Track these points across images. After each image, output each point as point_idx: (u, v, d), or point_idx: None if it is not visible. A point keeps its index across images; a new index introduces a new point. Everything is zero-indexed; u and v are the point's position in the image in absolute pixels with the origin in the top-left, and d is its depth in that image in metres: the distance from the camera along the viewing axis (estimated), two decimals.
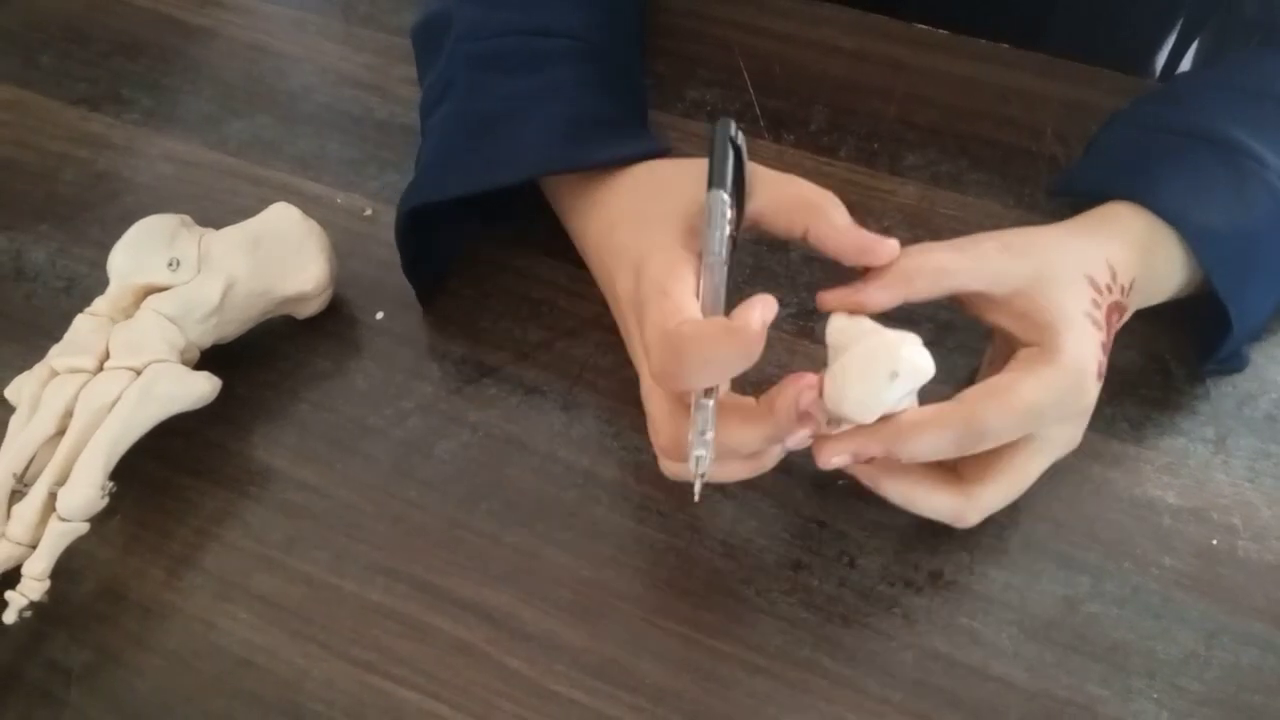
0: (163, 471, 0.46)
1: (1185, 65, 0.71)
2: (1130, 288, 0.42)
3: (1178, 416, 0.47)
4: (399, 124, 0.59)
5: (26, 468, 0.42)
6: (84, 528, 0.41)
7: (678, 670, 0.41)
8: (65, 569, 0.41)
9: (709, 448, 0.36)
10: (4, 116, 0.61)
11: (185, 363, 0.46)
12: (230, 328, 0.47)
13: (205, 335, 0.46)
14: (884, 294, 0.40)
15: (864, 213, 0.54)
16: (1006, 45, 0.61)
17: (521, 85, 0.49)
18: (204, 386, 0.45)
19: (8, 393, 0.44)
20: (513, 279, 0.52)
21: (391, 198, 0.52)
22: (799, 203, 0.41)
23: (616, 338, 0.47)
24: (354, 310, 0.51)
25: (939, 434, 0.37)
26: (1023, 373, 0.39)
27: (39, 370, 0.44)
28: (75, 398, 0.43)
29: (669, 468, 0.41)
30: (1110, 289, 0.41)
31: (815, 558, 0.43)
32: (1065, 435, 0.41)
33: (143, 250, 0.46)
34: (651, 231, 0.41)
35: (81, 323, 0.45)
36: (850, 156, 0.57)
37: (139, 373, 0.44)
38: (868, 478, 0.41)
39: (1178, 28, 0.71)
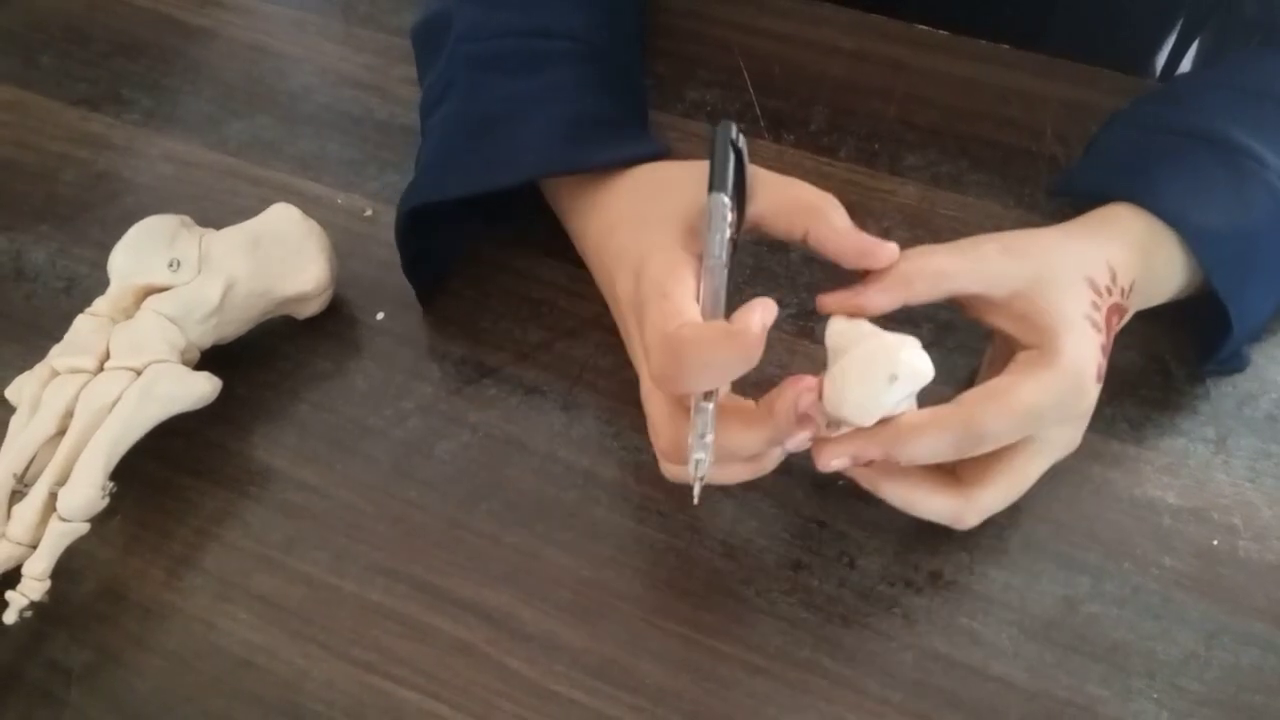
0: (163, 472, 0.46)
1: (1185, 65, 0.71)
2: (1130, 289, 0.42)
3: (1178, 417, 0.47)
4: (399, 124, 0.59)
5: (27, 468, 0.42)
6: (84, 528, 0.41)
7: (678, 670, 0.41)
8: (65, 569, 0.41)
9: (708, 451, 0.36)
10: (4, 117, 0.61)
11: (185, 363, 0.46)
12: (230, 328, 0.47)
13: (205, 335, 0.46)
14: (883, 297, 0.40)
15: (864, 213, 0.54)
16: (1006, 46, 0.61)
17: (522, 86, 0.49)
18: (204, 387, 0.45)
19: (8, 393, 0.44)
20: (513, 279, 0.52)
21: (392, 198, 0.52)
22: (799, 205, 0.41)
23: (617, 338, 0.47)
24: (354, 310, 0.51)
25: (938, 437, 0.37)
26: (1022, 375, 0.39)
27: (39, 370, 0.44)
28: (76, 398, 0.43)
29: (669, 470, 0.41)
30: (1110, 291, 0.41)
31: (815, 558, 0.43)
32: (1064, 437, 0.41)
33: (143, 251, 0.46)
34: (652, 233, 0.41)
35: (82, 323, 0.45)
36: (850, 157, 0.57)
37: (139, 373, 0.44)
38: (867, 480, 0.41)
39: (1178, 28, 0.71)
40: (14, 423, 0.43)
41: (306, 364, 0.50)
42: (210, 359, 0.47)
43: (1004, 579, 0.43)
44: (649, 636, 0.42)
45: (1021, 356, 0.40)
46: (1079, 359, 0.39)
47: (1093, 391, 0.40)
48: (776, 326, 0.44)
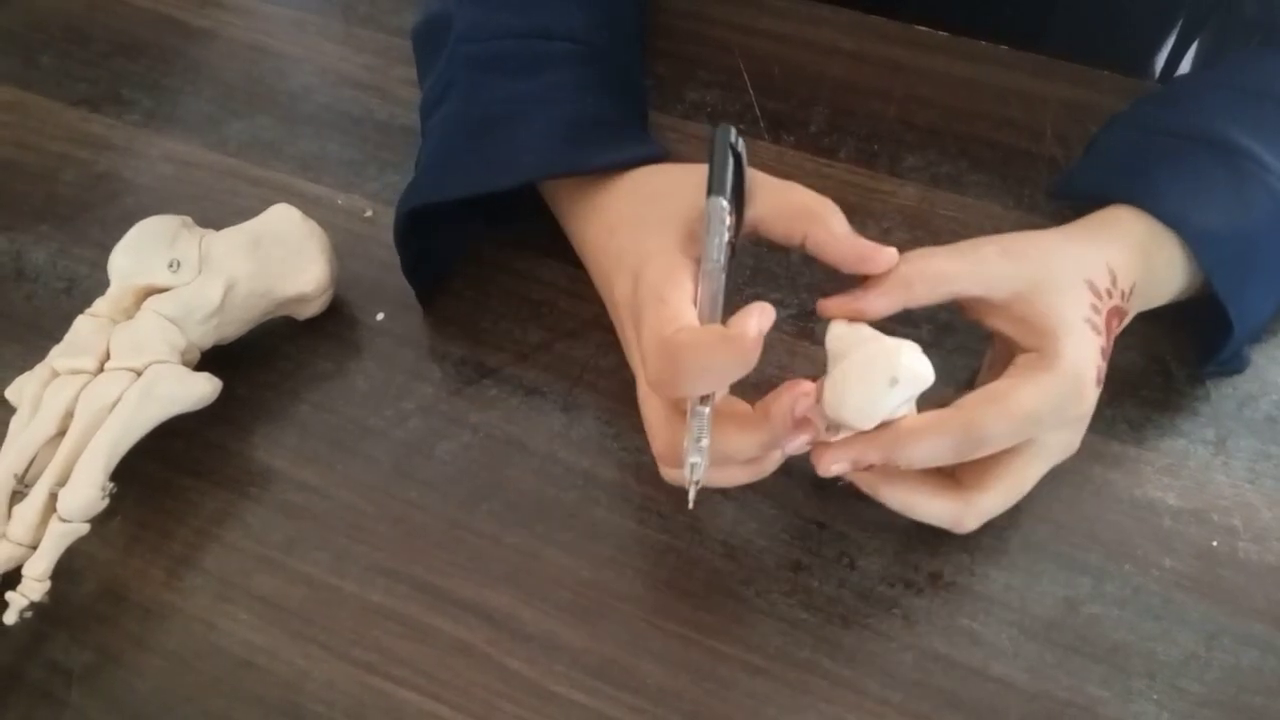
0: (163, 472, 0.46)
1: (1185, 66, 0.71)
2: (1131, 292, 0.42)
3: (1178, 418, 0.47)
4: (399, 125, 0.59)
5: (27, 468, 0.42)
6: (84, 528, 0.41)
7: (678, 671, 0.41)
8: (66, 570, 0.41)
9: (704, 455, 0.36)
10: (4, 117, 0.61)
11: (186, 364, 0.46)
12: (231, 329, 0.47)
13: (206, 336, 0.46)
14: (883, 300, 0.40)
15: (864, 214, 0.54)
16: (1006, 46, 0.61)
17: (522, 87, 0.49)
18: (204, 387, 0.45)
19: (8, 393, 0.44)
20: (513, 280, 0.52)
21: (392, 199, 0.52)
22: (798, 210, 0.41)
23: (616, 339, 0.47)
24: (354, 311, 0.51)
25: (937, 440, 0.37)
26: (1021, 379, 0.39)
27: (40, 371, 0.44)
28: (76, 399, 0.43)
29: (667, 473, 0.41)
30: (1110, 294, 0.41)
31: (815, 559, 0.43)
32: (1063, 441, 0.41)
33: (143, 251, 0.46)
34: (650, 236, 0.41)
35: (82, 324, 0.45)
36: (850, 158, 0.57)
37: (139, 374, 0.44)
38: (866, 484, 0.41)
39: (1177, 28, 0.71)
40: (14, 423, 0.43)
41: (307, 364, 0.50)
42: (210, 359, 0.47)
43: (1004, 580, 0.43)
44: (649, 637, 0.42)
45: (1021, 359, 0.40)
46: (1078, 362, 0.39)
47: (1092, 395, 0.40)
48: (776, 327, 0.44)
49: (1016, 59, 0.60)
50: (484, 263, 0.53)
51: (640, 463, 0.46)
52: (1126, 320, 0.43)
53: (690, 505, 0.37)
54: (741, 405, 0.39)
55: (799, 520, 0.44)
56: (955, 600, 0.42)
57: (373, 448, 0.47)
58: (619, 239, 0.43)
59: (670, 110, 0.59)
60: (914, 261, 0.40)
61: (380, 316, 0.51)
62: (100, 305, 0.46)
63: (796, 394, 0.36)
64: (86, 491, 0.41)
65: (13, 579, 0.40)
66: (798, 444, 0.38)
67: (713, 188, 0.40)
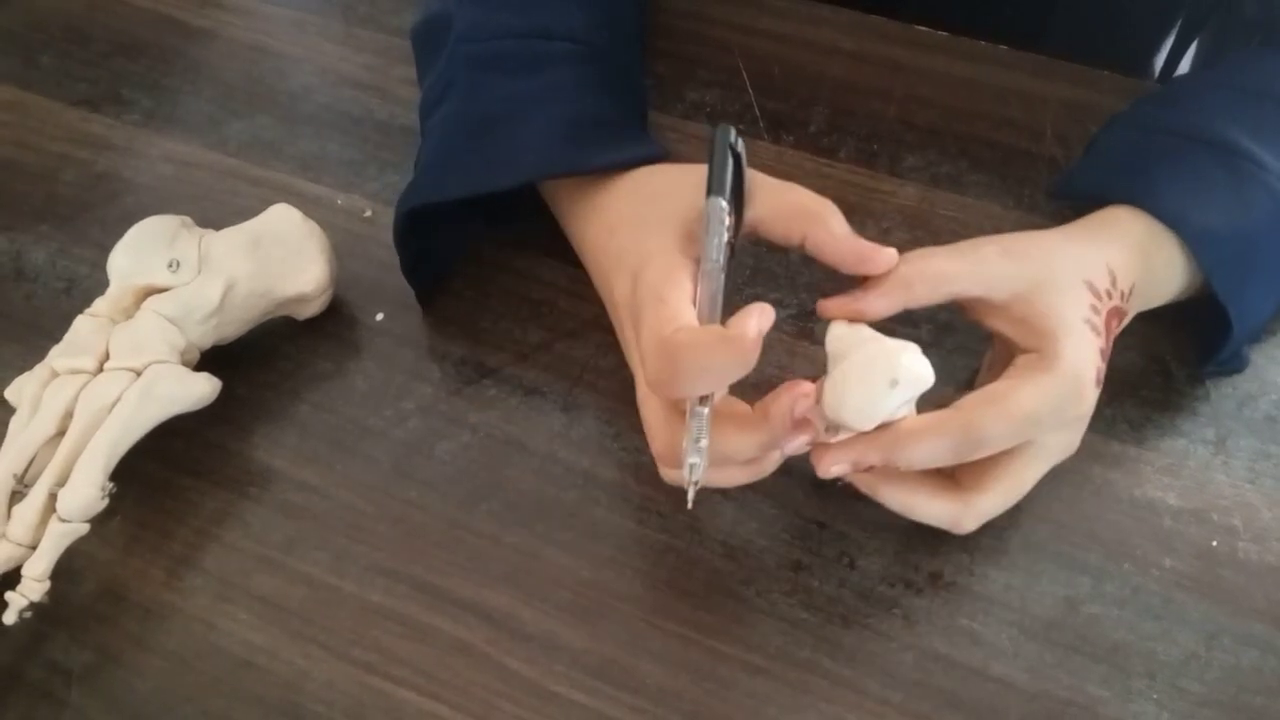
0: (163, 472, 0.46)
1: (1185, 66, 0.71)
2: (1130, 293, 0.42)
3: (1178, 418, 0.47)
4: (399, 125, 0.59)
5: (27, 468, 0.42)
6: (84, 528, 0.41)
7: (678, 671, 0.41)
8: (65, 570, 0.41)
9: (703, 455, 0.36)
10: (4, 117, 0.61)
11: (185, 364, 0.46)
12: (230, 329, 0.47)
13: (205, 336, 0.46)
14: (883, 301, 0.40)
15: (864, 214, 0.54)
16: (1005, 46, 0.61)
17: (522, 87, 0.49)
18: (204, 387, 0.45)
19: (8, 393, 0.44)
20: (513, 280, 0.52)
21: (391, 199, 0.52)
22: (797, 211, 0.41)
23: (616, 339, 0.47)
24: (354, 311, 0.51)
25: (937, 442, 0.37)
26: (1021, 380, 0.39)
27: (39, 371, 0.44)
28: (75, 399, 0.43)
29: (667, 474, 0.41)
30: (1110, 294, 0.41)
31: (815, 559, 0.43)
32: (1063, 442, 0.41)
33: (143, 251, 0.46)
34: (650, 237, 0.41)
35: (82, 323, 0.45)
36: (850, 158, 0.57)
37: (139, 374, 0.44)
38: (866, 485, 0.41)
39: (1177, 28, 0.71)
40: (14, 423, 0.43)
41: (306, 364, 0.50)
42: (210, 359, 0.47)
43: (1004, 580, 0.43)
44: (649, 637, 0.42)
45: (1020, 360, 0.40)
46: (1078, 363, 0.39)
47: (1091, 396, 0.40)
48: (776, 327, 0.44)
49: (1016, 59, 0.60)
50: (484, 263, 0.53)
51: (640, 463, 0.46)
52: (1126, 320, 0.43)
53: (689, 505, 0.37)
54: (741, 406, 0.39)
55: (799, 520, 0.44)
56: (955, 600, 0.42)
57: (372, 448, 0.47)
58: (619, 239, 0.43)
59: (670, 110, 0.59)
60: (914, 262, 0.40)
61: (380, 316, 0.51)
62: (100, 305, 0.46)
63: (796, 395, 0.36)
64: (86, 491, 0.41)
65: (12, 579, 0.40)
66: (797, 445, 0.38)
67: (712, 188, 0.40)
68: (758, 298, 0.47)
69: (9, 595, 0.40)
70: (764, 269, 0.52)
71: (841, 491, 0.43)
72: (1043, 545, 0.43)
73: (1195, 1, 0.69)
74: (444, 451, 0.47)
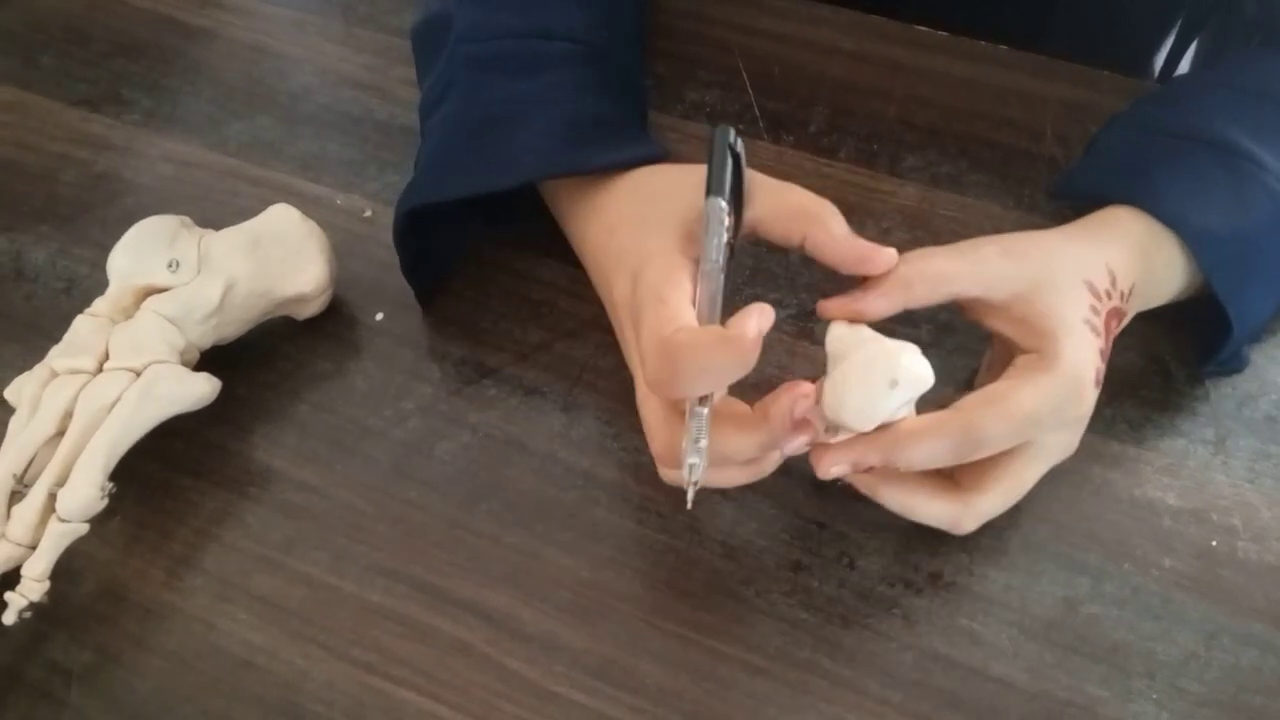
0: (163, 472, 0.46)
1: (1185, 66, 0.71)
2: (1130, 293, 0.42)
3: (1178, 418, 0.47)
4: (399, 125, 0.59)
5: (26, 468, 0.42)
6: (84, 528, 0.41)
7: (678, 671, 0.41)
8: (65, 570, 0.41)
9: (703, 455, 0.36)
10: (4, 117, 0.61)
11: (185, 364, 0.46)
12: (230, 329, 0.47)
13: (205, 336, 0.46)
14: (883, 301, 0.40)
15: (864, 214, 0.54)
16: (1005, 46, 0.61)
17: (522, 87, 0.49)
18: (204, 387, 0.45)
19: (8, 393, 0.44)
20: (513, 280, 0.52)
21: (391, 199, 0.52)
22: (797, 211, 0.41)
23: (616, 339, 0.47)
24: (354, 311, 0.51)
25: (936, 442, 0.37)
26: (1020, 380, 0.39)
27: (39, 371, 0.44)
28: (75, 399, 0.43)
29: (667, 474, 0.41)
30: (1110, 295, 0.41)
31: (815, 559, 0.43)
32: (1062, 442, 0.41)
33: (143, 251, 0.46)
34: (650, 237, 0.41)
35: (81, 323, 0.45)
36: (850, 158, 0.57)
37: (139, 374, 0.44)
38: (865, 486, 0.41)
39: (1177, 28, 0.71)
40: (13, 423, 0.43)
41: (306, 364, 0.50)
42: (210, 359, 0.47)
43: (1004, 580, 0.43)
44: (649, 637, 0.42)
45: (1020, 360, 0.40)
46: (1077, 364, 0.39)
47: (1090, 397, 0.40)
48: (776, 327, 0.44)
49: (1016, 59, 0.60)
50: (484, 263, 0.53)
51: (640, 463, 0.46)
52: (1125, 321, 0.43)
53: (689, 505, 0.37)
54: (740, 406, 0.39)
55: (799, 520, 0.44)
56: (955, 600, 0.42)
57: (372, 448, 0.47)
58: (618, 239, 0.43)
59: (670, 110, 0.59)
60: (914, 262, 0.40)
61: (380, 316, 0.51)
62: (99, 305, 0.46)
63: (795, 395, 0.36)
64: (85, 491, 0.41)
65: (12, 579, 0.40)
66: (796, 445, 0.38)
67: (711, 188, 0.40)
68: (758, 298, 0.47)
69: (9, 595, 0.40)
70: (764, 269, 0.52)
71: (841, 492, 0.43)
72: (1042, 545, 0.43)
73: (1195, 1, 0.69)
74: (444, 451, 0.47)
